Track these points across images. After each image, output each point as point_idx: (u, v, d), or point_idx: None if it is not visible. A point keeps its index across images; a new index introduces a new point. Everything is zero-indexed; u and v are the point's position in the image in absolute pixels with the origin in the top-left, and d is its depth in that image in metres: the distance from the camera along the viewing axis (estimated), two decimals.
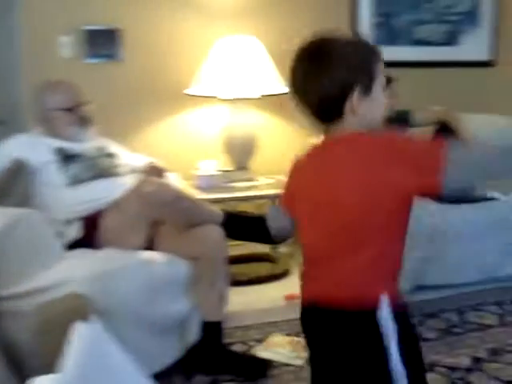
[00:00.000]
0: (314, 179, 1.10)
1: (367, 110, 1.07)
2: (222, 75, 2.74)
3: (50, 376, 0.59)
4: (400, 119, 2.96)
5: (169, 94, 3.02)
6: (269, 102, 3.10)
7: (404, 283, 2.42)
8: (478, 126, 2.96)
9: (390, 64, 3.68)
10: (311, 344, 1.14)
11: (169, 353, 1.79)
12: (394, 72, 2.97)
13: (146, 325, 1.71)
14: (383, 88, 1.13)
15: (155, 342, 1.74)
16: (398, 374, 0.99)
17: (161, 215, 1.88)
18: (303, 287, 1.17)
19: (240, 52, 2.78)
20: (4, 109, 2.75)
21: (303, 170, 1.17)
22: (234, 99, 2.86)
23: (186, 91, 2.88)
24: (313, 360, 1.15)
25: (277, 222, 1.26)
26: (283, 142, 3.25)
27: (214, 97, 2.95)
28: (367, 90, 1.07)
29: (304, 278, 1.17)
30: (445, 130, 2.88)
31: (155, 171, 2.23)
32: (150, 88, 3.00)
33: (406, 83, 3.22)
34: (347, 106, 1.06)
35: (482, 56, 3.73)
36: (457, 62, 3.66)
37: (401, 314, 1.05)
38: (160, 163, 2.35)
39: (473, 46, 3.69)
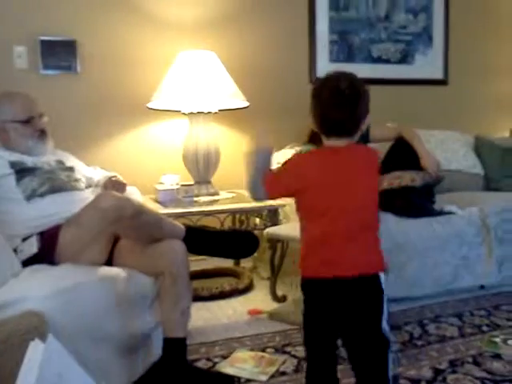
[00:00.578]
0: (334, 175, 1.35)
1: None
2: (183, 89, 2.72)
3: None
4: (360, 135, 3.02)
5: (129, 107, 2.99)
6: (228, 116, 3.10)
7: None
8: (432, 141, 3.05)
9: None
10: (325, 306, 1.39)
11: (131, 370, 1.74)
12: None
13: (106, 342, 1.65)
14: None
15: (117, 360, 1.68)
16: (386, 325, 1.41)
17: (120, 229, 1.84)
18: (313, 263, 1.39)
19: (200, 66, 2.77)
20: None
21: (317, 166, 1.37)
22: (194, 113, 2.85)
23: (148, 105, 2.85)
24: (326, 316, 1.40)
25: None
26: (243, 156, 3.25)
27: (176, 111, 2.93)
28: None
29: (313, 256, 1.39)
30: (401, 145, 2.96)
31: (115, 185, 2.18)
32: (110, 101, 2.96)
33: None
34: (358, 130, 1.37)
35: (437, 74, 3.87)
36: (413, 79, 3.78)
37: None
38: (120, 177, 2.30)
39: (427, 64, 3.82)
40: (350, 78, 1.38)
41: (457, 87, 3.92)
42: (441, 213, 2.78)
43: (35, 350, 0.52)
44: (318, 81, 1.42)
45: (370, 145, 3.06)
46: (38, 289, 1.49)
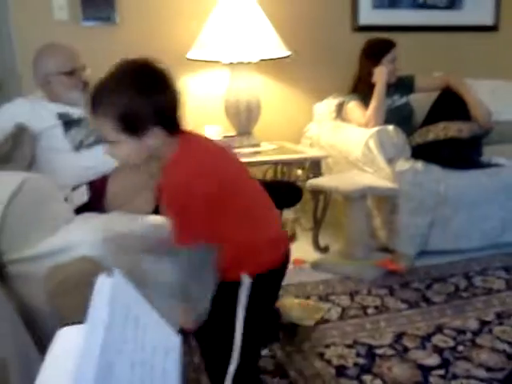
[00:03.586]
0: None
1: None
2: (223, 39, 2.67)
3: (78, 326, 0.57)
4: (403, 85, 2.93)
5: (169, 58, 2.89)
6: (270, 65, 3.04)
7: (409, 248, 2.44)
8: (481, 91, 2.93)
9: (391, 28, 3.68)
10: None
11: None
12: (396, 36, 2.93)
13: (155, 289, 1.69)
14: None
15: (166, 306, 1.73)
16: None
17: None
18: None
19: (240, 15, 2.71)
20: (0, 74, 2.69)
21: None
22: (235, 63, 2.80)
23: (187, 55, 2.82)
24: None
25: None
26: (286, 107, 3.21)
27: (217, 61, 2.89)
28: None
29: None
30: (448, 95, 2.86)
31: None
32: (149, 52, 2.87)
33: (409, 48, 3.17)
34: None
35: (486, 20, 3.67)
36: (461, 26, 3.60)
37: None
38: None
39: (476, 9, 3.62)
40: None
41: (508, 33, 3.72)
42: (488, 165, 2.70)
43: (103, 286, 0.52)
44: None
45: (416, 95, 2.97)
46: (90, 235, 1.52)
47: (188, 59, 2.85)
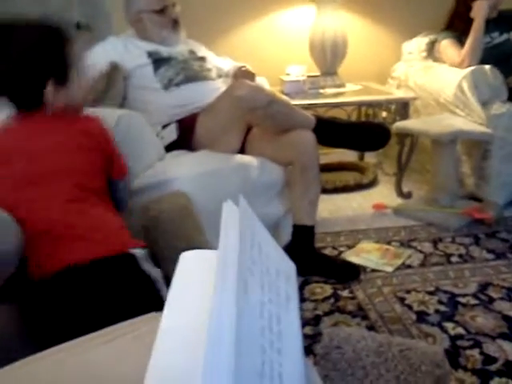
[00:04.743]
0: None
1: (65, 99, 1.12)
2: None
3: (200, 251, 0.60)
4: (504, 20, 2.71)
5: None
6: (356, 2, 2.91)
7: (500, 197, 2.34)
8: None
9: None
10: None
11: None
12: None
13: None
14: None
15: None
16: None
17: (254, 119, 1.86)
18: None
19: None
20: (90, 13, 2.75)
21: None
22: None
23: None
24: None
25: None
26: (373, 45, 3.08)
27: None
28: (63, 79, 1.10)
29: None
30: None
31: (245, 75, 2.18)
32: None
33: None
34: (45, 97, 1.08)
35: None
36: None
37: None
38: (249, 67, 2.30)
39: None
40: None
41: None
42: None
43: (232, 212, 0.54)
44: None
45: None
46: (182, 172, 1.59)
47: None
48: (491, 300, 1.73)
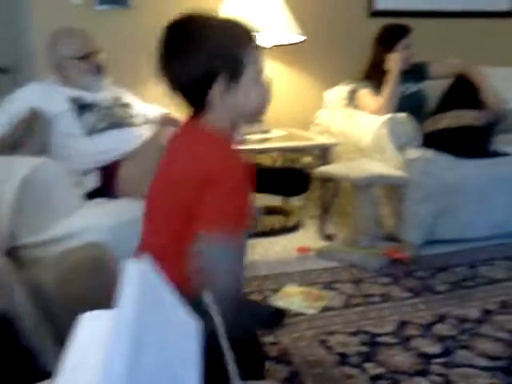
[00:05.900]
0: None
1: (233, 101, 1.02)
2: None
3: (101, 311, 0.60)
4: (416, 72, 2.91)
5: None
6: (282, 51, 3.03)
7: (416, 237, 2.46)
8: (495, 78, 2.91)
9: (407, 13, 3.62)
10: None
11: None
12: (412, 22, 2.90)
13: None
14: (258, 75, 1.07)
15: None
16: None
17: None
18: None
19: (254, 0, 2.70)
20: (13, 57, 2.72)
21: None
22: None
23: None
24: None
25: None
26: (297, 93, 3.20)
27: None
28: (233, 79, 1.01)
29: None
30: (462, 83, 2.84)
31: (171, 122, 2.21)
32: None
33: (424, 34, 3.14)
34: (210, 96, 1.00)
35: (501, 6, 3.62)
36: (475, 11, 3.55)
37: None
38: (174, 114, 2.33)
39: None
40: (190, 17, 1.06)
41: None
42: (500, 154, 2.69)
43: (132, 269, 0.55)
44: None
45: (429, 82, 2.96)
46: (99, 221, 1.57)
47: None
48: (408, 338, 1.79)
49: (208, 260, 0.97)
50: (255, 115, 1.13)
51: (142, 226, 1.18)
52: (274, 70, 3.06)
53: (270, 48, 2.85)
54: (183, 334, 0.59)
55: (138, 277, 0.52)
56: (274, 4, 2.75)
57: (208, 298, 0.83)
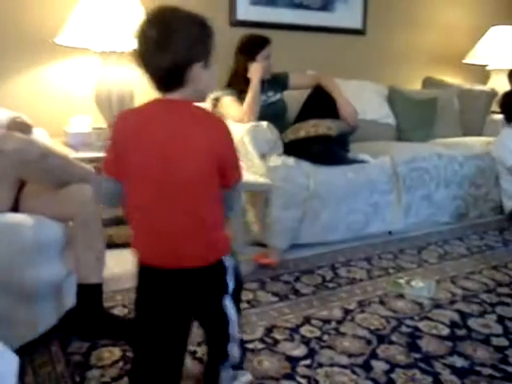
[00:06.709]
0: (165, 140, 1.19)
1: (205, 81, 1.24)
2: (94, 25, 2.54)
3: None
4: (277, 82, 3.00)
5: (35, 42, 2.75)
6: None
7: (281, 242, 2.51)
8: (349, 90, 3.10)
9: (268, 25, 3.73)
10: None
11: (43, 320, 1.68)
12: (272, 34, 2.99)
13: (14, 292, 1.57)
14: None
15: (26, 310, 1.61)
16: (229, 301, 1.38)
17: (27, 173, 1.72)
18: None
19: (113, 2, 2.59)
20: None
21: (144, 127, 1.22)
22: (107, 52, 2.67)
23: (55, 40, 2.64)
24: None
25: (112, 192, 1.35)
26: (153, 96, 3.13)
27: (86, 48, 2.74)
28: (206, 63, 1.22)
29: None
30: (319, 94, 2.98)
31: (20, 127, 2.02)
32: (13, 35, 2.71)
33: (284, 46, 3.26)
34: (187, 77, 1.20)
35: (355, 24, 3.89)
36: (332, 28, 3.77)
37: None
38: (25, 118, 2.13)
39: (346, 13, 3.82)
40: (167, 10, 1.22)
41: (374, 38, 3.97)
42: (354, 161, 2.86)
43: None
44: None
45: (289, 92, 3.06)
46: None
47: (56, 44, 2.67)
48: (276, 342, 1.81)
49: (239, 192, 1.41)
50: (208, 94, 1.35)
51: (140, 218, 1.31)
52: (136, 76, 2.95)
53: (131, 52, 2.74)
54: None
55: None
56: (134, 7, 2.66)
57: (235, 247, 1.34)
